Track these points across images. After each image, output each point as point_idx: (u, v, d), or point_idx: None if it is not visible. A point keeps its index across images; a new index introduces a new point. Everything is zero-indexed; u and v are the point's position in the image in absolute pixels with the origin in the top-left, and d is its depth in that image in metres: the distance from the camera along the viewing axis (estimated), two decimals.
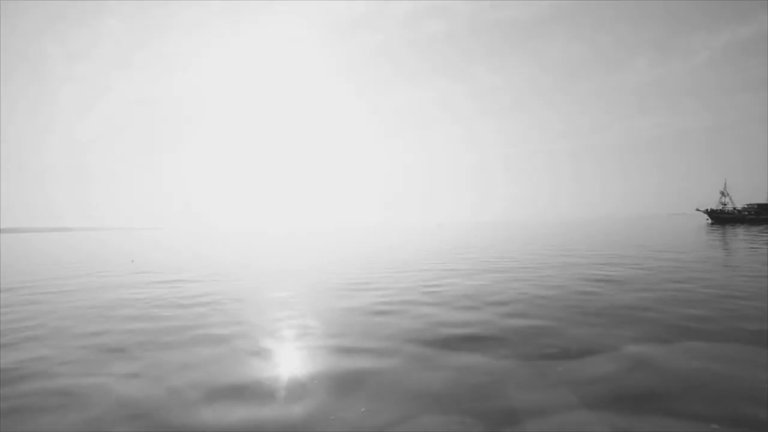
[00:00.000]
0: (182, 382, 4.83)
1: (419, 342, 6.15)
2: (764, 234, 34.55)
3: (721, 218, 79.44)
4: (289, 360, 5.59)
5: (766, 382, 4.39)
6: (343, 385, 4.64)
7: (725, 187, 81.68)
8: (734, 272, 12.36)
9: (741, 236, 31.84)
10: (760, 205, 77.26)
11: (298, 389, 4.56)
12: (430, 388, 4.48)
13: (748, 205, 79.10)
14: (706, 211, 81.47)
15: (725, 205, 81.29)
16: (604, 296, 9.17)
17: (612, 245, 24.52)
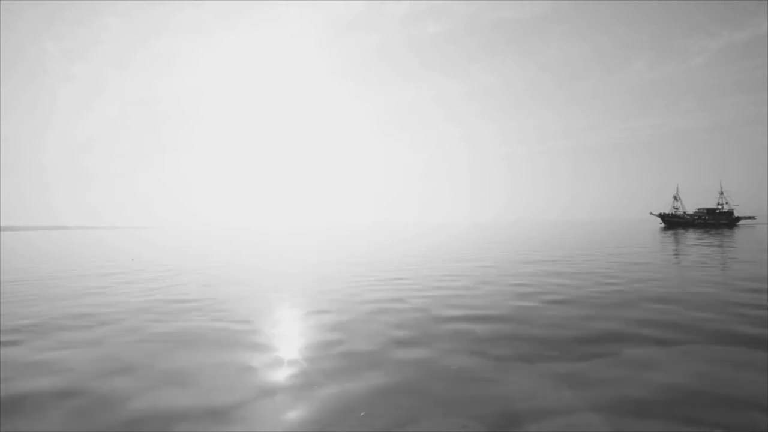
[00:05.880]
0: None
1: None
2: (709, 237, 35.51)
3: (672, 222, 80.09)
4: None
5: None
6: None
7: (677, 192, 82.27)
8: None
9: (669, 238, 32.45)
10: (708, 210, 77.94)
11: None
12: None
13: (698, 209, 79.70)
14: (660, 215, 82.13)
15: (677, 209, 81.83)
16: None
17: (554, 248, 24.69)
